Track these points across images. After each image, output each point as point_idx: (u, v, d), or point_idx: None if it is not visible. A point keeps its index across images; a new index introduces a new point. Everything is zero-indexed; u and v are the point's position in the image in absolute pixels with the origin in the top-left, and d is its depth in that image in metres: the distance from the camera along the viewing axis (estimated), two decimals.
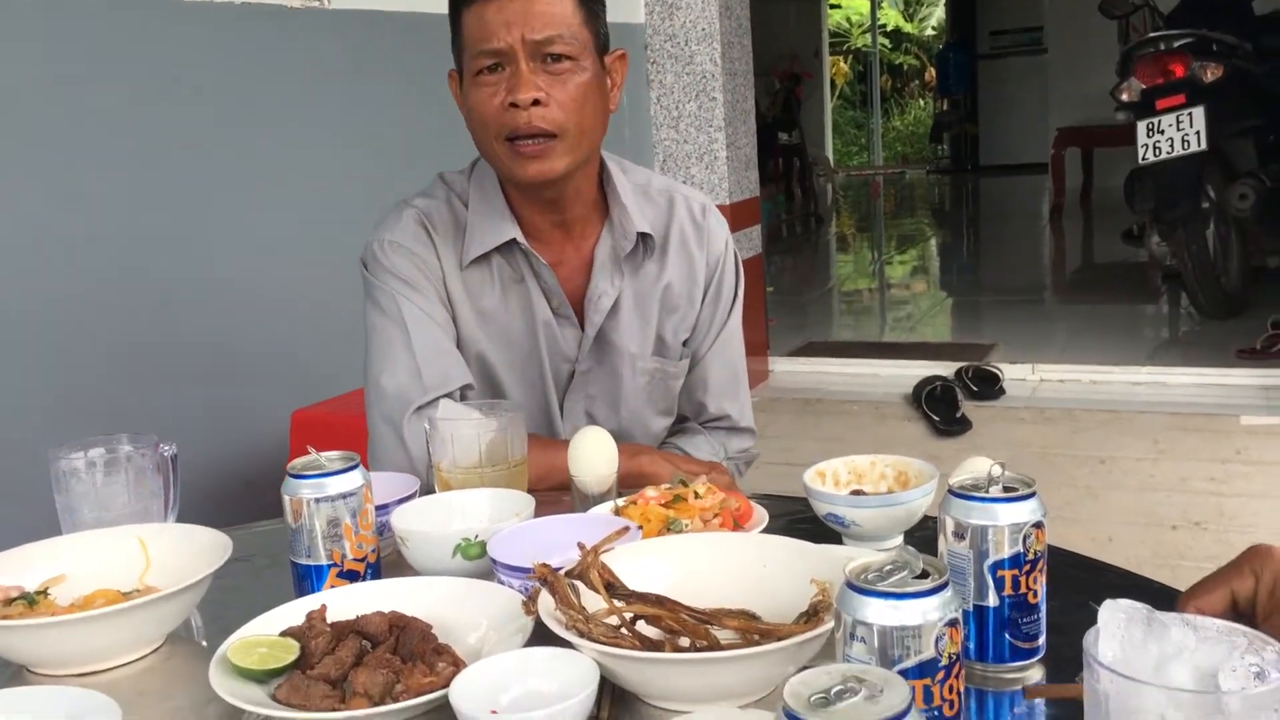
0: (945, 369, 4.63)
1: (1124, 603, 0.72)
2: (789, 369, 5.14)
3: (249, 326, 2.71)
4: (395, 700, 0.95)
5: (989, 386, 4.47)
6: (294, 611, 1.09)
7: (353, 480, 1.19)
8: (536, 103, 1.53)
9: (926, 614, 0.80)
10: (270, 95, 2.83)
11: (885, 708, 0.65)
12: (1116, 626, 0.71)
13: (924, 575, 0.82)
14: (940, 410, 4.23)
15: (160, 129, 2.55)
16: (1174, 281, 5.75)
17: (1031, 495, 0.99)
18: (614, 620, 1.02)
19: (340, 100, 3.06)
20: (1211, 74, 4.80)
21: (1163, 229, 5.03)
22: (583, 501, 1.39)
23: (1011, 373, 4.64)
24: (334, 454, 1.21)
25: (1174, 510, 3.36)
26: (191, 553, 1.21)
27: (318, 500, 1.17)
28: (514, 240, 1.65)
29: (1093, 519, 3.33)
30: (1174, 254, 5.11)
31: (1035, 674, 1.01)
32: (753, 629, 0.99)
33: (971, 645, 1.00)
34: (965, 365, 4.60)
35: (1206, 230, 5.10)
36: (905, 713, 0.65)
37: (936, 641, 0.80)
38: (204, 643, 1.21)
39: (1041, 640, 1.01)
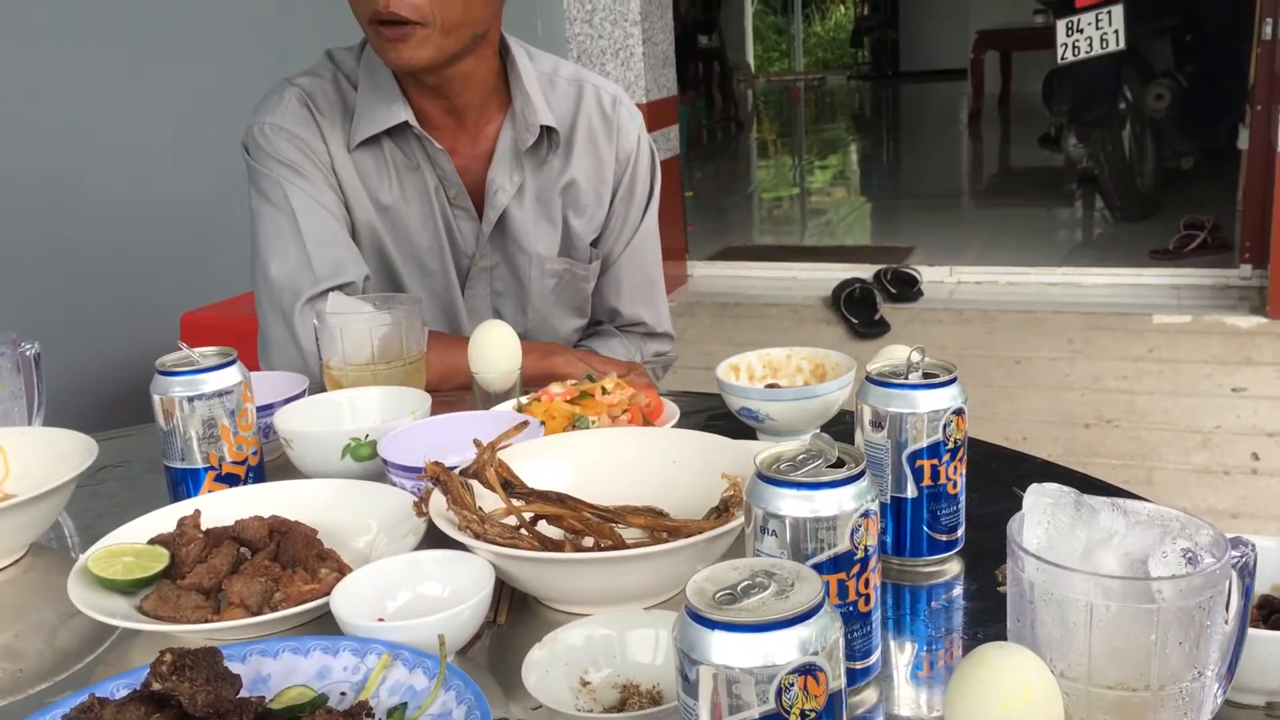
0: (864, 272, 4.61)
1: (1050, 486, 0.67)
2: (707, 273, 5.09)
3: (136, 228, 2.56)
4: (274, 610, 0.88)
5: (907, 289, 4.46)
6: (164, 518, 1.01)
7: (229, 377, 1.09)
8: None
9: (841, 504, 0.74)
10: None
11: (796, 603, 0.60)
12: (1042, 512, 0.66)
13: (839, 464, 0.76)
14: (859, 312, 4.21)
15: (36, 20, 2.36)
16: (1090, 184, 5.78)
17: (952, 381, 0.95)
18: (512, 521, 0.95)
19: None
20: None
21: (1080, 130, 5.04)
22: (485, 400, 1.31)
23: (929, 275, 4.64)
24: (209, 350, 1.12)
25: (1087, 408, 3.39)
26: (55, 457, 1.11)
27: (191, 399, 1.08)
28: (406, 124, 1.54)
29: (1008, 418, 3.35)
30: (1090, 155, 5.13)
31: (954, 567, 0.97)
32: (660, 526, 0.93)
33: (889, 539, 0.96)
34: (884, 268, 4.58)
35: (1123, 131, 5.11)
36: (818, 608, 0.60)
37: (852, 534, 0.75)
38: (73, 555, 1.12)
39: (960, 533, 0.97)
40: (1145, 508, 0.67)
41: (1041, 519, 0.67)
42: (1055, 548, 0.66)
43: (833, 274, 4.68)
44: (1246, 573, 0.67)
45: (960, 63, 10.54)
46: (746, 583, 0.62)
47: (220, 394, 1.09)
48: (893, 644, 0.87)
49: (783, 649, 0.59)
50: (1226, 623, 0.67)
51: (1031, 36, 8.51)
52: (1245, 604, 0.67)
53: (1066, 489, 0.67)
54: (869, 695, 0.80)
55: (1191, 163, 5.77)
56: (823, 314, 4.39)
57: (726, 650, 0.59)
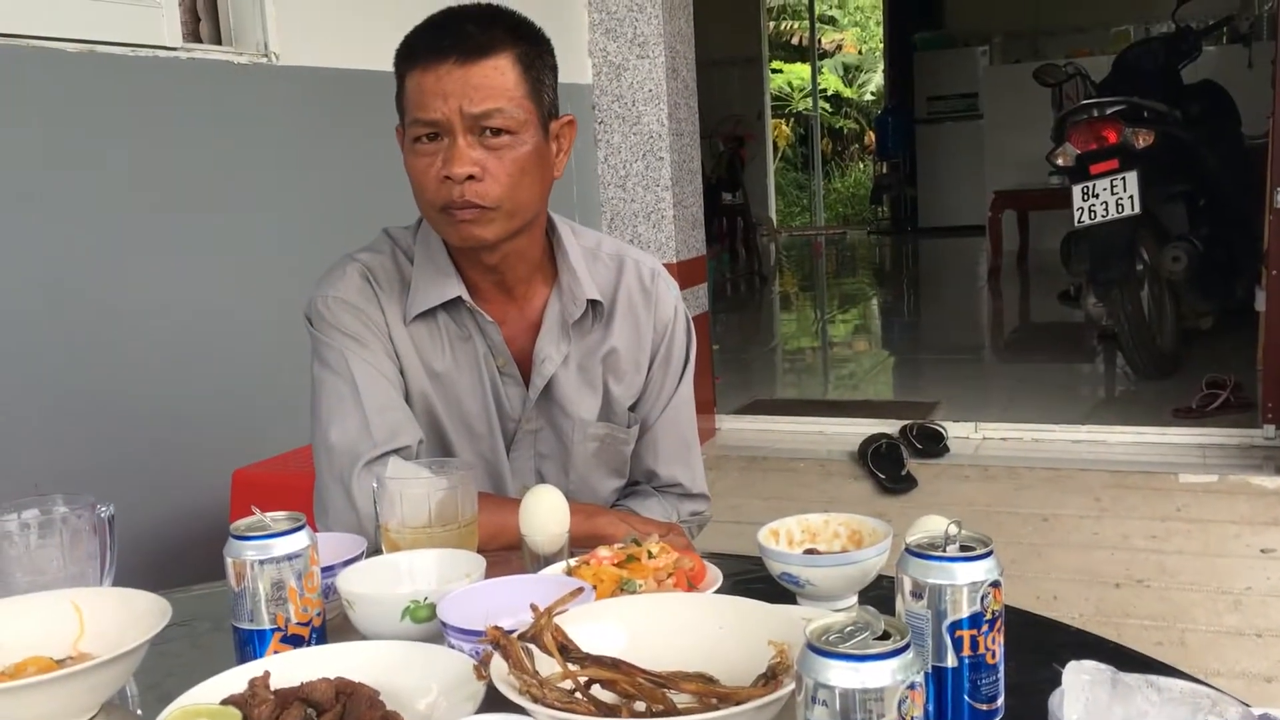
0: (890, 427, 4.66)
1: (1088, 664, 0.71)
2: (735, 426, 5.15)
3: (190, 383, 2.66)
4: None
5: (933, 444, 4.50)
6: (236, 678, 1.05)
7: (298, 541, 1.16)
8: (471, 177, 1.52)
9: (889, 676, 0.79)
10: (217, 149, 2.81)
11: None
12: (1081, 689, 0.71)
13: (885, 636, 0.81)
14: (886, 468, 4.24)
15: (109, 181, 2.51)
16: (1110, 342, 5.86)
17: (989, 554, 0.99)
18: (568, 684, 0.99)
19: (287, 155, 3.04)
20: (1143, 140, 4.93)
21: (1099, 290, 5.13)
22: (534, 562, 1.36)
23: (955, 430, 4.68)
24: (279, 514, 1.18)
25: (1117, 567, 3.39)
26: (128, 618, 1.16)
27: (262, 562, 1.14)
28: (459, 298, 1.64)
29: (1037, 576, 3.35)
30: (1110, 315, 5.21)
31: None
32: (710, 693, 0.97)
33: (930, 707, 0.99)
34: (909, 423, 4.63)
35: (1141, 292, 5.21)
36: None
37: (899, 705, 0.79)
38: (139, 711, 1.17)
39: (1000, 701, 1.00)
40: (1178, 685, 0.71)
41: (1080, 695, 0.71)
42: None
43: (858, 429, 4.72)
44: None
45: (978, 219, 10.79)
46: None
47: (290, 557, 1.15)
48: None
49: None
50: None
51: (1047, 197, 8.76)
52: None
53: (1103, 666, 0.72)
54: None
55: (1210, 323, 5.85)
56: (850, 469, 4.43)
57: None
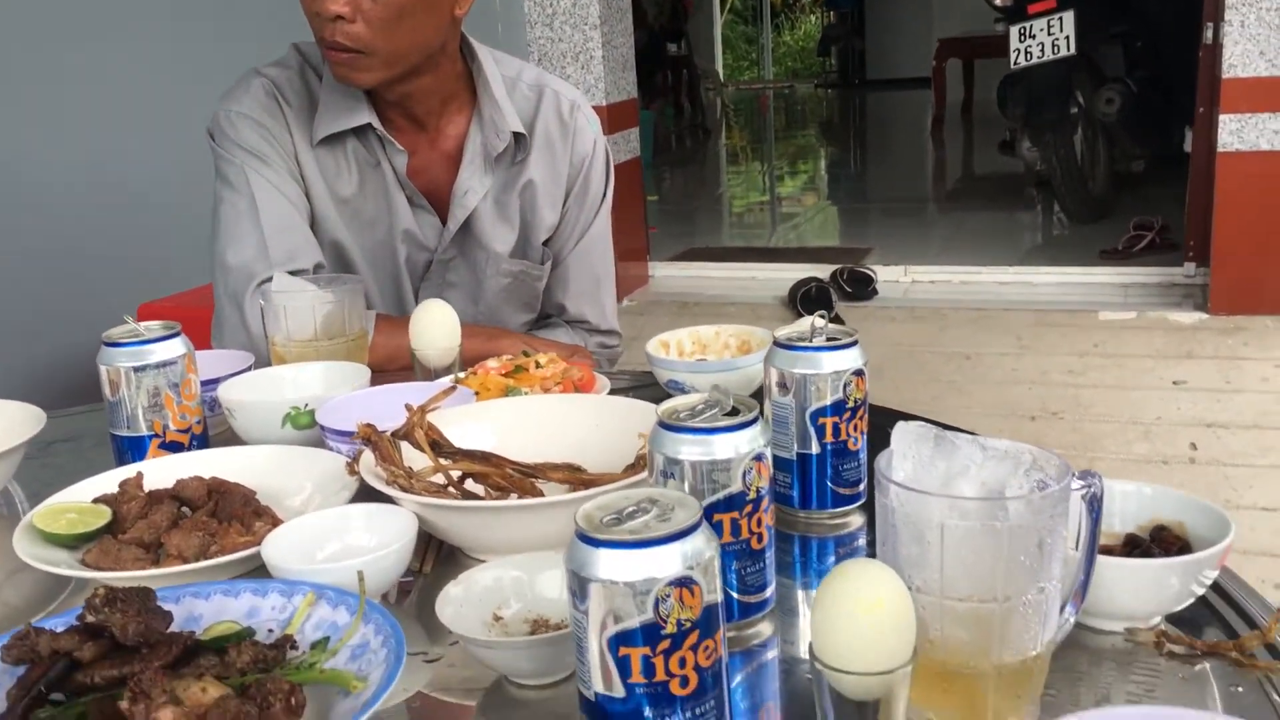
0: (822, 272, 4.69)
1: (914, 424, 0.73)
2: (669, 273, 5.15)
3: (95, 221, 2.59)
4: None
5: (862, 287, 4.55)
6: (108, 481, 1.05)
7: (173, 349, 1.14)
8: (340, 18, 1.43)
9: (733, 448, 0.80)
10: None
11: (675, 523, 0.65)
12: (908, 446, 0.72)
13: (734, 413, 0.82)
14: (814, 310, 4.27)
15: None
16: (1046, 188, 5.89)
17: (853, 344, 1.00)
18: (440, 479, 1.00)
19: None
20: None
21: (1033, 134, 5.13)
22: (425, 376, 1.36)
23: (885, 275, 4.72)
24: (153, 323, 1.16)
25: (1034, 401, 3.48)
26: (4, 426, 1.15)
27: (136, 369, 1.13)
28: (369, 124, 1.59)
29: (956, 411, 3.43)
30: (1044, 159, 5.22)
31: (856, 520, 1.03)
32: (577, 480, 0.99)
33: (795, 493, 1.02)
34: (840, 268, 4.66)
35: (1075, 135, 5.21)
36: (694, 528, 0.66)
37: (744, 475, 0.80)
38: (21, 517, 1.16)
39: (863, 487, 1.03)
40: (1003, 444, 0.73)
41: (908, 454, 0.73)
42: (920, 479, 0.72)
43: (791, 274, 4.75)
44: (1094, 502, 0.73)
45: (926, 71, 10.68)
46: (631, 509, 0.68)
47: (164, 365, 1.13)
48: (799, 592, 0.93)
49: (660, 564, 0.64)
50: (1076, 548, 0.74)
51: (992, 44, 8.65)
52: (1094, 531, 0.73)
53: (929, 425, 0.73)
54: (764, 628, 0.86)
55: (1143, 166, 5.89)
56: (780, 312, 4.47)
57: (610, 566, 0.64)
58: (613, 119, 4.45)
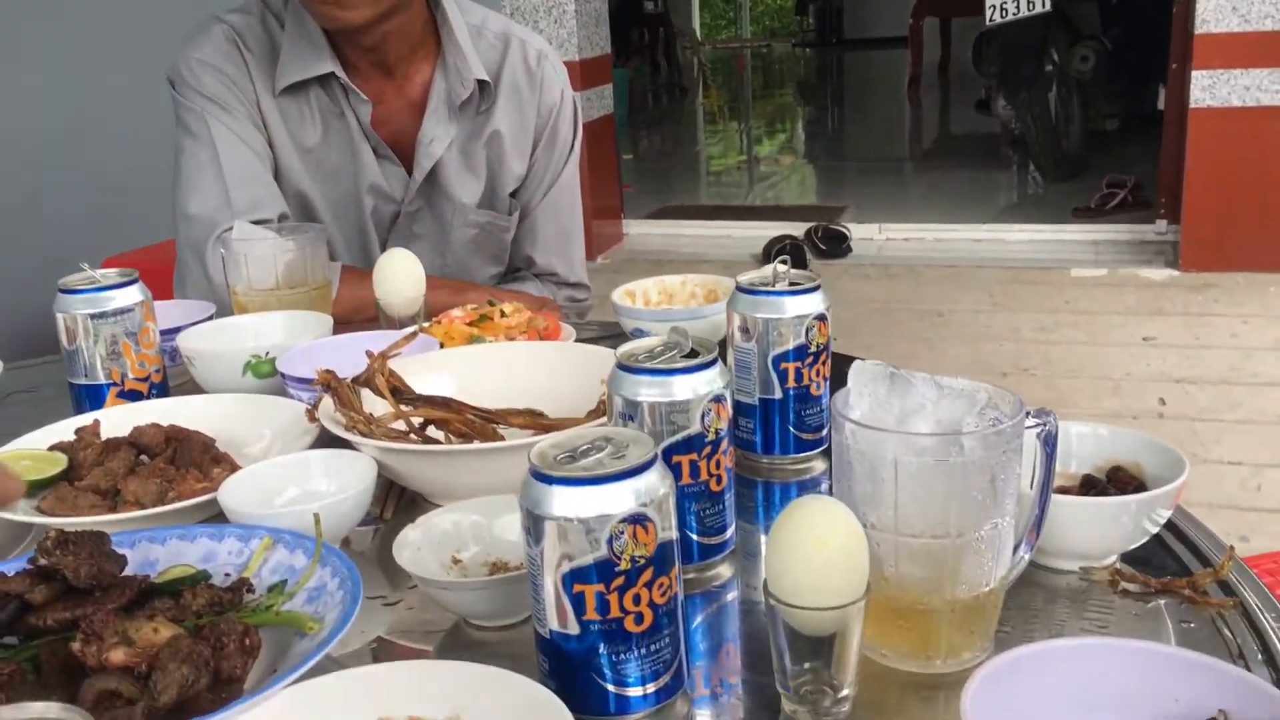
0: (796, 230, 4.68)
1: (870, 364, 0.73)
2: (643, 231, 5.13)
3: (59, 172, 2.55)
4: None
5: (837, 245, 4.55)
6: (65, 428, 1.04)
7: (130, 296, 1.13)
8: None
9: (692, 390, 0.80)
10: None
11: (628, 460, 0.65)
12: (865, 385, 0.72)
13: (693, 354, 0.82)
14: None
15: None
16: (1020, 146, 5.89)
17: (815, 289, 1.00)
18: (401, 425, 1.00)
19: None
20: None
21: (1008, 92, 5.12)
22: (389, 325, 1.35)
23: (859, 232, 4.72)
24: (110, 270, 1.15)
25: (1005, 358, 3.49)
26: None
27: (93, 317, 1.11)
28: (332, 73, 1.56)
29: (928, 367, 3.38)
30: (1018, 117, 5.22)
31: (819, 465, 1.03)
32: (538, 425, 0.98)
33: (758, 438, 1.02)
34: (815, 225, 4.66)
35: (1049, 93, 5.21)
36: (647, 465, 0.65)
37: (702, 417, 0.80)
38: None
39: (825, 432, 1.02)
40: (959, 382, 0.73)
41: (865, 392, 0.73)
42: (876, 416, 0.72)
43: (767, 232, 4.75)
44: (1049, 440, 0.73)
45: (903, 30, 10.62)
46: (586, 446, 0.67)
47: (122, 312, 1.12)
48: (761, 536, 0.93)
49: (613, 501, 0.64)
50: (1031, 486, 0.74)
51: (969, 2, 8.62)
52: (1049, 468, 0.74)
53: (884, 365, 0.73)
54: (724, 570, 0.86)
55: (1117, 124, 5.90)
56: (753, 269, 4.46)
57: (564, 503, 0.64)
58: (586, 74, 4.41)
